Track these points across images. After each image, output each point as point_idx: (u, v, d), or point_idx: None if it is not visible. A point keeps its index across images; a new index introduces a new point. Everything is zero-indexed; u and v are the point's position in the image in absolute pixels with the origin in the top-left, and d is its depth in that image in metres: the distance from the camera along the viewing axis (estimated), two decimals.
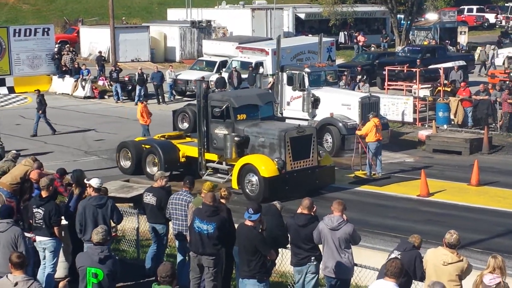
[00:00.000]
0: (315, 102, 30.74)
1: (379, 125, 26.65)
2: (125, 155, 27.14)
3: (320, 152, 24.84)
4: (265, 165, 23.47)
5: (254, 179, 23.55)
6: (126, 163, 27.03)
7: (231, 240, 13.79)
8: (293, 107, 31.67)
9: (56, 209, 14.50)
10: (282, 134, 23.65)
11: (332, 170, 25.08)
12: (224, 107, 24.59)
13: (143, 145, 26.82)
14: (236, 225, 13.93)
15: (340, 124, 29.93)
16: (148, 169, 26.31)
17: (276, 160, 23.50)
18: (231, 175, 24.34)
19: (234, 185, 23.39)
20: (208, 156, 25.32)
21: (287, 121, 30.33)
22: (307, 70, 31.48)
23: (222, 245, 13.71)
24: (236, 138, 24.16)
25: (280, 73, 32.16)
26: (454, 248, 11.96)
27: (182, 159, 26.25)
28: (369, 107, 30.12)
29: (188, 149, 26.25)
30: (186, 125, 28.10)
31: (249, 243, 12.48)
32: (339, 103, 30.67)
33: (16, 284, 10.49)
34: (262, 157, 23.81)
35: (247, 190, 23.50)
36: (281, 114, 31.64)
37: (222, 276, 14.52)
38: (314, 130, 25.21)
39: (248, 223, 12.57)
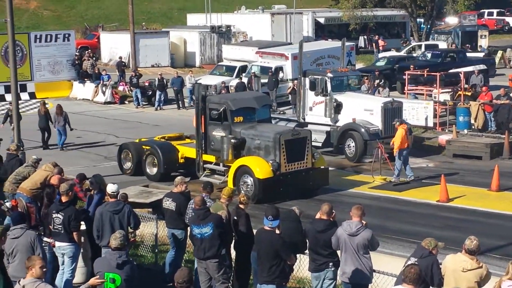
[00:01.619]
0: (338, 107, 30.64)
1: (407, 131, 26.53)
2: (126, 156, 27.64)
3: (315, 154, 25.23)
4: (260, 167, 23.87)
5: (249, 180, 23.96)
6: (127, 164, 27.58)
7: (248, 244, 13.88)
8: (315, 112, 31.53)
9: (76, 214, 14.58)
10: (277, 136, 24.07)
11: (326, 172, 25.44)
12: (221, 109, 25.05)
13: (143, 146, 27.28)
14: (254, 231, 13.96)
15: (363, 130, 29.80)
16: (148, 170, 26.91)
17: (271, 162, 23.89)
18: (227, 176, 24.69)
19: (230, 186, 23.51)
20: (206, 157, 25.76)
21: (309, 126, 30.51)
22: (329, 75, 31.37)
23: (224, 246, 13.86)
24: (232, 140, 24.63)
25: (302, 78, 32.03)
26: (474, 255, 11.92)
27: (181, 160, 26.79)
28: (392, 112, 30.06)
29: (187, 150, 26.77)
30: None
31: (270, 247, 12.51)
32: (362, 108, 30.52)
33: (23, 287, 10.60)
34: (257, 159, 24.24)
35: (242, 191, 23.63)
36: (304, 119, 31.71)
37: (235, 279, 14.64)
38: (309, 133, 25.49)
39: (268, 228, 12.61)
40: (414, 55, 53.77)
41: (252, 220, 15.02)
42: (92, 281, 11.34)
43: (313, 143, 29.66)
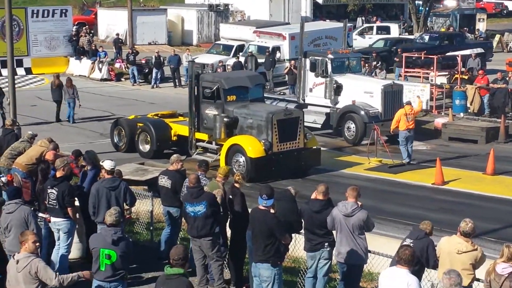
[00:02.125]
0: (338, 89, 30.48)
1: (411, 113, 26.39)
2: (119, 133, 27.83)
3: (307, 134, 25.34)
4: (252, 146, 24.04)
5: (242, 159, 24.13)
6: (120, 141, 27.75)
7: (243, 223, 13.92)
8: (315, 93, 31.36)
9: (70, 189, 14.57)
10: (269, 116, 24.19)
11: (318, 152, 25.58)
12: (214, 88, 25.17)
13: (137, 123, 27.45)
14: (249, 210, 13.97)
15: (362, 112, 29.71)
16: (140, 147, 27.17)
17: (263, 141, 24.04)
18: (219, 155, 24.82)
19: (222, 164, 23.57)
20: (199, 135, 25.92)
21: (309, 107, 30.60)
22: (330, 56, 31.14)
23: (217, 225, 13.96)
24: (225, 119, 24.79)
25: (303, 59, 31.77)
26: (469, 237, 11.96)
27: (174, 138, 26.95)
28: (392, 95, 30.03)
29: (180, 128, 26.94)
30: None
31: (265, 226, 12.51)
32: (362, 90, 30.38)
33: (17, 262, 10.69)
34: (249, 138, 24.40)
35: (234, 170, 23.66)
36: (303, 100, 31.57)
37: (230, 258, 14.68)
38: (301, 113, 25.62)
39: (262, 207, 12.62)
40: (412, 37, 53.71)
41: (247, 199, 15.03)
42: (87, 274, 11.38)
43: (313, 125, 30.04)
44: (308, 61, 31.57)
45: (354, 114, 29.95)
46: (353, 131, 29.98)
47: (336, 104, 30.68)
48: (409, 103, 27.08)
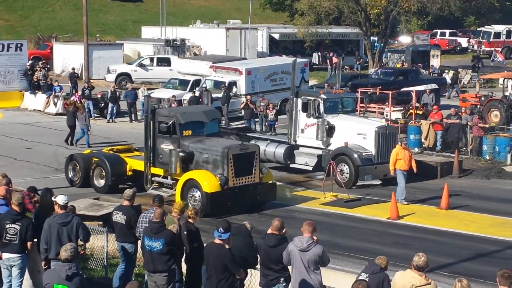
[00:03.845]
0: (330, 130, 29.16)
1: (405, 154, 26.10)
2: (73, 168, 27.58)
3: (263, 169, 25.33)
4: (208, 181, 23.95)
5: (197, 194, 24.04)
6: (75, 176, 27.49)
7: (198, 258, 13.85)
8: (307, 134, 30.07)
9: (32, 224, 14.48)
10: (225, 151, 24.19)
11: (273, 187, 25.58)
12: (170, 123, 25.18)
13: (92, 158, 27.24)
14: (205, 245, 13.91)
15: (355, 155, 28.45)
16: (95, 182, 26.92)
17: (219, 176, 23.96)
18: (175, 190, 24.74)
19: (178, 199, 23.50)
20: (154, 170, 25.79)
21: (300, 149, 30.04)
22: (323, 96, 30.08)
23: (174, 261, 13.85)
24: (181, 154, 24.70)
25: (294, 98, 30.50)
26: (422, 271, 12.01)
27: (129, 173, 26.81)
28: (386, 137, 28.91)
29: (135, 162, 26.81)
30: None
31: (219, 261, 12.47)
32: (355, 132, 29.21)
33: None
34: (205, 173, 24.31)
35: (190, 206, 23.57)
36: (295, 141, 30.43)
37: None
38: (257, 147, 25.66)
39: (218, 241, 12.58)
40: (368, 72, 54.23)
41: (203, 234, 14.97)
42: None
43: (304, 167, 29.83)
44: (300, 101, 30.32)
45: (347, 157, 28.76)
46: (347, 174, 28.60)
47: (328, 145, 29.31)
48: (402, 141, 26.76)
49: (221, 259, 12.45)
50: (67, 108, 35.46)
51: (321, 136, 29.34)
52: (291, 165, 30.34)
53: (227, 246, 12.66)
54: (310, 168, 29.97)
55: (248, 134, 32.03)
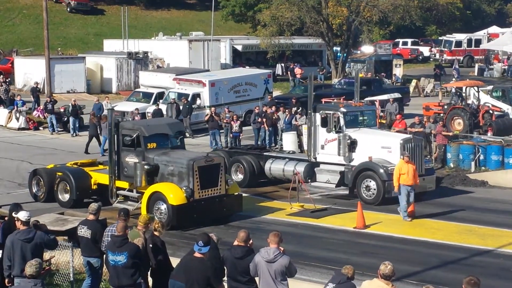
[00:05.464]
0: (352, 145, 28.24)
1: (409, 168, 25.13)
2: (37, 182, 27.39)
3: (228, 181, 25.26)
4: (174, 193, 23.87)
5: (163, 207, 23.93)
6: (39, 190, 27.28)
7: (165, 271, 13.77)
8: (327, 150, 28.91)
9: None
10: (190, 163, 24.10)
11: (239, 198, 25.55)
12: (134, 136, 25.09)
13: (56, 172, 27.03)
14: (173, 258, 13.82)
15: (381, 170, 27.22)
16: (60, 196, 26.76)
17: (185, 188, 23.89)
18: (141, 203, 24.62)
19: (143, 212, 23.42)
20: (119, 183, 25.66)
21: (321, 166, 29.05)
22: (342, 109, 28.89)
23: (139, 275, 13.78)
24: (146, 167, 24.58)
25: (312, 113, 29.36)
26: (389, 280, 12.01)
27: (94, 187, 26.70)
28: (412, 149, 27.53)
29: (100, 176, 26.69)
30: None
31: (201, 275, 12.43)
32: (379, 145, 28.06)
33: None
34: (170, 185, 24.22)
35: (156, 218, 23.47)
36: (315, 158, 29.23)
37: None
38: (222, 159, 25.60)
39: (198, 255, 12.54)
40: (332, 83, 54.41)
41: (168, 247, 14.88)
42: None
43: (326, 185, 28.90)
44: (318, 116, 29.19)
45: (372, 172, 27.62)
46: (374, 191, 27.41)
47: (350, 161, 28.35)
48: (404, 154, 25.91)
49: (204, 273, 12.43)
50: (92, 119, 37.21)
51: (343, 152, 28.30)
52: (312, 184, 29.27)
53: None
54: (333, 186, 28.92)
55: (265, 154, 31.04)
